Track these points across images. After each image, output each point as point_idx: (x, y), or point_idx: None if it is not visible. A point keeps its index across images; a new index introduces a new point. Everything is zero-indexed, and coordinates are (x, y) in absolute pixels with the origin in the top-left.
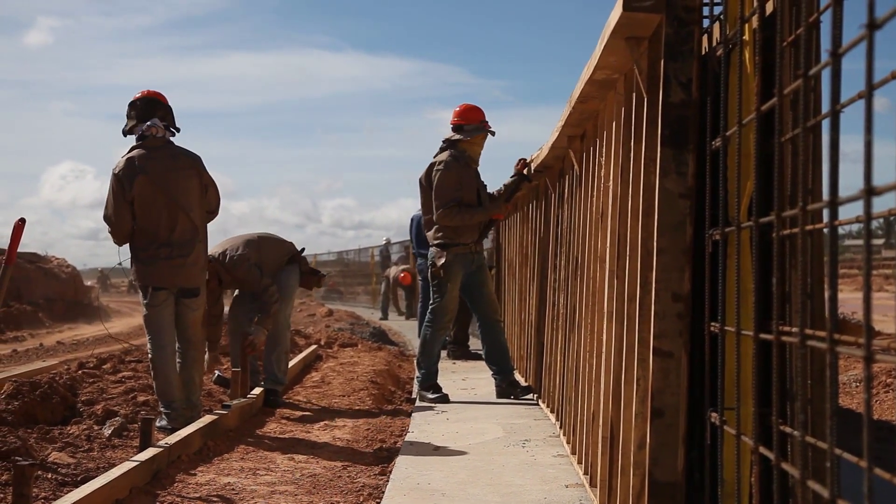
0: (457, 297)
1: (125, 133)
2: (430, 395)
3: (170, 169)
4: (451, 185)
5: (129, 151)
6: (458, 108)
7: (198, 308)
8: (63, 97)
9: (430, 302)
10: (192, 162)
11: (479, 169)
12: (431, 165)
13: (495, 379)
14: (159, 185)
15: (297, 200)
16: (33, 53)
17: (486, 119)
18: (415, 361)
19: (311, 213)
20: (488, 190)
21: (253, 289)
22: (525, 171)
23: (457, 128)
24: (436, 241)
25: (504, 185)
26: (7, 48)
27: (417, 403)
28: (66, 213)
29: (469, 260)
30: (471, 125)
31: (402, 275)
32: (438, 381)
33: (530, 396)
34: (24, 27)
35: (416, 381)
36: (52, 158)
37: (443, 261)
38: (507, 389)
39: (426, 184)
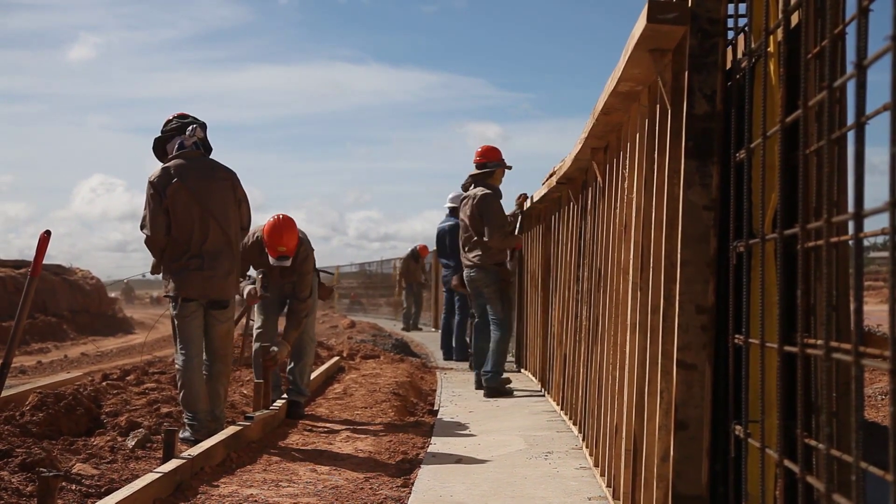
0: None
1: (160, 145)
2: (506, 387)
3: (206, 178)
4: (501, 211)
5: (166, 162)
6: (479, 150)
7: (226, 320)
8: (100, 111)
9: (494, 316)
10: (228, 175)
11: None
12: (475, 197)
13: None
14: (194, 194)
15: (324, 213)
16: (74, 68)
17: (503, 157)
18: (444, 356)
19: (337, 226)
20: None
21: (299, 288)
22: (523, 205)
23: (481, 165)
24: (495, 262)
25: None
26: (50, 63)
27: (440, 402)
28: (95, 225)
29: None
30: (492, 162)
31: (420, 245)
32: (459, 391)
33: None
34: (66, 42)
35: (483, 379)
36: (84, 171)
37: (509, 277)
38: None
39: (475, 212)
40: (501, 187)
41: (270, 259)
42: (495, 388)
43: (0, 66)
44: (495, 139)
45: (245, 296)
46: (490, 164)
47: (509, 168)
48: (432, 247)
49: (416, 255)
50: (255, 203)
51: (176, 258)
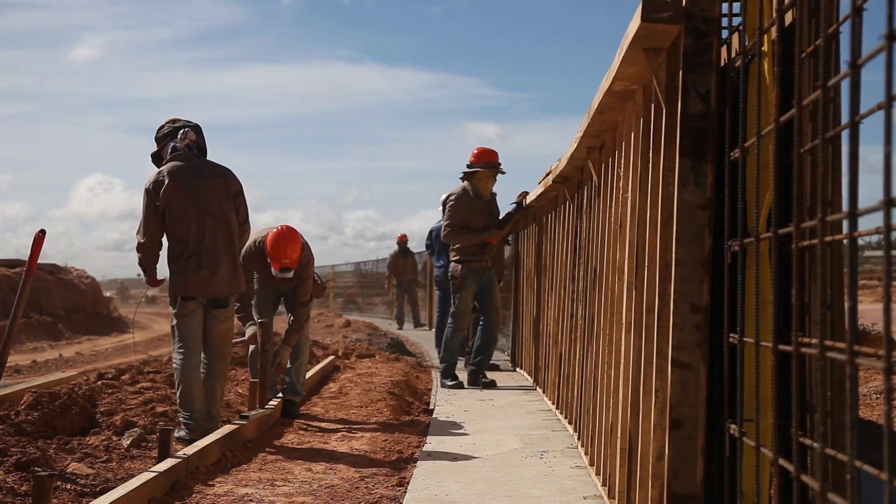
0: (471, 302)
1: (157, 154)
2: (449, 383)
3: (199, 178)
4: (458, 211)
5: (160, 167)
6: (475, 151)
7: (226, 319)
8: (100, 111)
9: (451, 308)
10: (222, 172)
11: (496, 198)
12: (449, 196)
13: (469, 367)
14: (189, 193)
15: (322, 212)
16: (74, 68)
17: (499, 161)
18: (438, 356)
19: (334, 225)
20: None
21: (300, 292)
22: (522, 202)
23: (469, 165)
24: (453, 258)
25: (507, 212)
26: (50, 63)
27: (435, 401)
28: (92, 224)
29: (481, 274)
30: (479, 163)
31: (399, 235)
32: (454, 390)
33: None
34: (66, 42)
35: (438, 371)
36: (83, 171)
37: (459, 274)
38: (474, 379)
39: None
40: (499, 188)
41: (273, 271)
42: (445, 375)
43: None
44: (493, 139)
45: (247, 336)
46: (473, 165)
47: (499, 171)
48: (417, 249)
49: (403, 251)
50: (254, 203)
51: (175, 258)
